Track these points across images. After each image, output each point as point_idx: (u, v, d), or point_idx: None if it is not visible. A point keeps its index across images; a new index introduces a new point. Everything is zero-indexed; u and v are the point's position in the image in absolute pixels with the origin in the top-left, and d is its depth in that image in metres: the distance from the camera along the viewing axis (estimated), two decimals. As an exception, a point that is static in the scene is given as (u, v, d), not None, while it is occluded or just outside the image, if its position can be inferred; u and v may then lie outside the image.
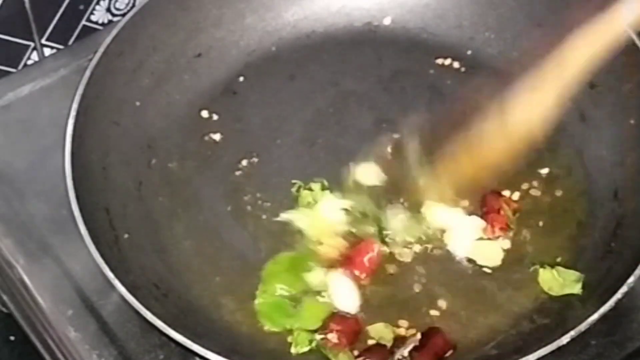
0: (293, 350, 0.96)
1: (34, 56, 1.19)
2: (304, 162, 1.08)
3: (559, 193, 1.06)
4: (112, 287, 0.91)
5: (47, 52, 1.20)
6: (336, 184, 1.05)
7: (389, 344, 0.95)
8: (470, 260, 1.01)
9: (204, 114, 1.12)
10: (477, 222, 1.03)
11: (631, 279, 0.91)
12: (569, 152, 1.07)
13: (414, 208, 1.03)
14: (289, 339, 0.96)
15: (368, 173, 1.06)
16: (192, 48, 1.13)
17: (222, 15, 1.15)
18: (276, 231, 1.04)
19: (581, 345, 0.96)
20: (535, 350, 0.87)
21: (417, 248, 1.02)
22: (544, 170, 1.07)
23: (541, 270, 0.99)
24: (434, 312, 0.98)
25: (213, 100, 1.13)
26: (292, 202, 1.05)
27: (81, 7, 1.19)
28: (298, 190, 1.05)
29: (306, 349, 0.96)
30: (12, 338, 1.20)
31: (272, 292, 0.99)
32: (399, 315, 0.98)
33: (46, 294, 1.02)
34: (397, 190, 1.04)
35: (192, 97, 1.13)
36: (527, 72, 1.13)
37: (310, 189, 1.05)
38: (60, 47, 1.20)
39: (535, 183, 1.06)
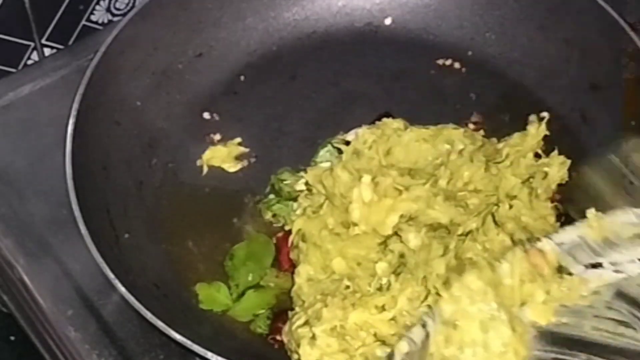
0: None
1: (34, 56, 1.19)
2: (305, 162, 1.08)
3: (558, 196, 1.05)
4: (112, 287, 0.91)
5: (47, 52, 1.20)
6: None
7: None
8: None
9: (205, 113, 1.12)
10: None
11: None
12: (569, 154, 1.07)
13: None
14: (287, 339, 0.96)
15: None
16: (192, 48, 1.13)
17: (223, 15, 1.15)
18: (276, 232, 1.04)
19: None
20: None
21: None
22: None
23: None
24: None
25: (214, 100, 1.13)
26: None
27: (81, 7, 1.18)
28: (274, 186, 1.06)
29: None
30: (12, 338, 1.20)
31: (243, 284, 1.00)
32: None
33: (46, 294, 1.02)
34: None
35: (192, 97, 1.13)
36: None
37: (282, 180, 1.05)
38: (60, 47, 1.20)
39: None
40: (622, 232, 0.89)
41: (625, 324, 0.85)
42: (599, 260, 0.88)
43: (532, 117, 1.07)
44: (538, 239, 0.88)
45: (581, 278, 0.87)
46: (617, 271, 0.88)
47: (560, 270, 0.88)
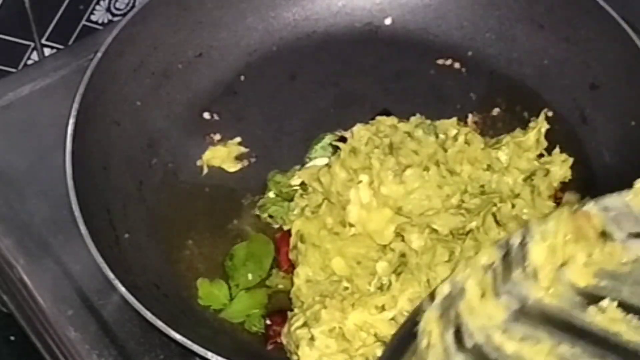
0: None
1: (34, 56, 1.19)
2: (304, 161, 1.08)
3: (559, 195, 1.05)
4: (112, 287, 0.91)
5: (47, 52, 1.20)
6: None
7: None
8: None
9: (205, 113, 1.12)
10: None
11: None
12: (569, 153, 1.07)
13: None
14: (286, 341, 0.96)
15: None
16: (192, 48, 1.13)
17: (223, 15, 1.15)
18: (275, 232, 1.04)
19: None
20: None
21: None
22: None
23: None
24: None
25: (214, 100, 1.13)
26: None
27: (81, 7, 1.18)
28: (271, 188, 1.06)
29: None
30: (12, 338, 1.20)
31: (243, 284, 1.00)
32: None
33: (46, 294, 1.02)
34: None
35: (192, 97, 1.12)
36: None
37: (277, 182, 1.05)
38: (60, 47, 1.20)
39: (536, 184, 1.06)
40: None
41: None
42: None
43: (541, 117, 1.08)
44: (585, 202, 0.88)
45: (623, 245, 0.87)
46: None
47: (604, 235, 0.87)
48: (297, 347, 0.91)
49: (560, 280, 0.86)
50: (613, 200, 0.89)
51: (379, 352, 0.90)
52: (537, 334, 0.83)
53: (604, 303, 0.84)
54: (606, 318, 0.83)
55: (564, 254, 0.86)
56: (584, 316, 0.84)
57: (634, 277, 0.86)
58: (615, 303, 0.84)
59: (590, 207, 0.88)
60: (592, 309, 0.84)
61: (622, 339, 0.82)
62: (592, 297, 0.85)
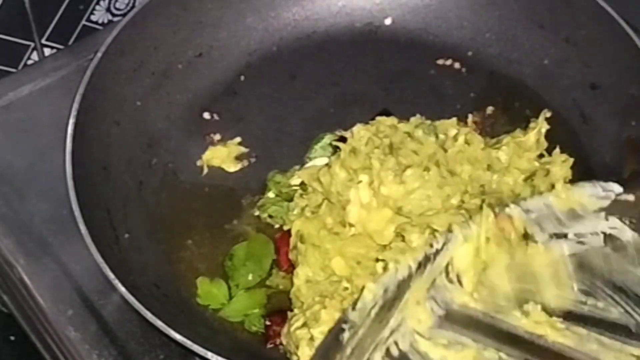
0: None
1: (34, 56, 1.19)
2: (304, 161, 1.08)
3: (559, 194, 1.06)
4: (112, 287, 0.91)
5: (47, 52, 1.20)
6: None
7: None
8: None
9: (205, 113, 1.12)
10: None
11: None
12: (569, 153, 1.07)
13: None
14: (286, 341, 0.96)
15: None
16: (193, 48, 1.13)
17: (223, 15, 1.15)
18: (275, 232, 1.04)
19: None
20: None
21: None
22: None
23: None
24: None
25: (214, 100, 1.13)
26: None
27: (81, 7, 1.19)
28: (271, 188, 1.06)
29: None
30: (12, 338, 1.20)
31: (243, 284, 1.00)
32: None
33: (46, 294, 1.02)
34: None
35: (192, 97, 1.13)
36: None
37: (277, 182, 1.05)
38: (60, 47, 1.20)
39: (535, 183, 1.06)
40: (588, 204, 0.90)
41: (587, 293, 0.86)
42: (564, 230, 0.89)
43: (541, 117, 1.08)
44: (507, 205, 0.89)
45: (546, 246, 0.88)
46: (580, 242, 0.88)
47: (526, 237, 0.88)
48: (297, 347, 0.91)
49: (484, 284, 0.86)
50: (534, 202, 0.89)
51: (377, 357, 0.90)
52: (462, 339, 0.82)
53: (528, 306, 0.84)
54: (530, 321, 0.83)
55: (487, 257, 0.86)
56: (509, 320, 0.83)
57: (556, 279, 0.86)
58: (539, 306, 0.84)
59: (512, 209, 0.88)
60: (516, 312, 0.83)
61: (547, 342, 0.82)
62: (516, 301, 0.85)
